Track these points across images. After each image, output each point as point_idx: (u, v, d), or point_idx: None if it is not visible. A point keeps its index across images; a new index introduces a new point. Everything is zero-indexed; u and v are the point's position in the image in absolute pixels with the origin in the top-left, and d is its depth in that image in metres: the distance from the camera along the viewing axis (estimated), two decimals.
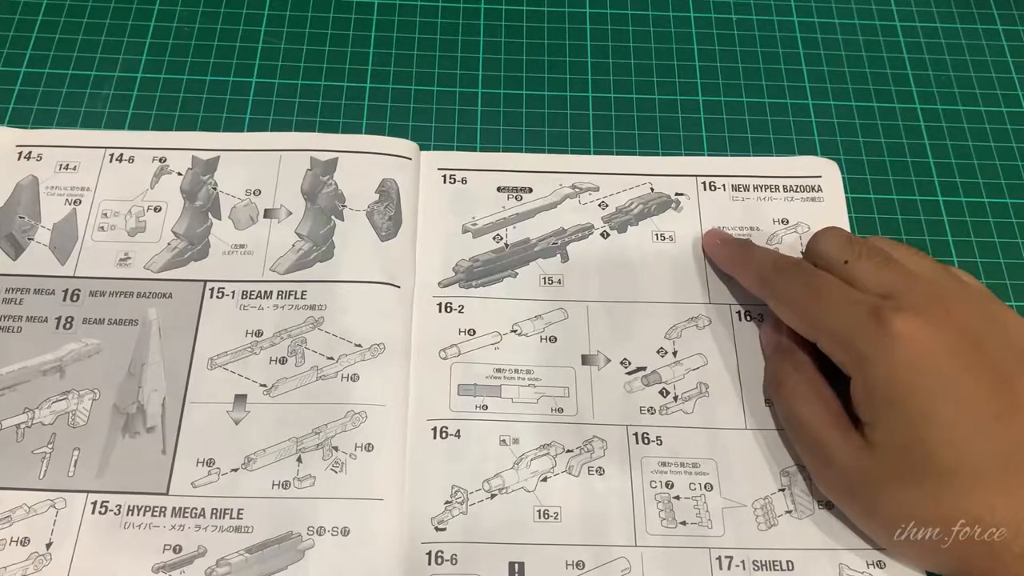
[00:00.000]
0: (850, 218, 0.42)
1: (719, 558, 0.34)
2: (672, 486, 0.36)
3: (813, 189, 0.43)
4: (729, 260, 0.40)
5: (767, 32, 0.48)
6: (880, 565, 0.34)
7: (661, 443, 0.36)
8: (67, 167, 0.41)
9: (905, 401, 0.32)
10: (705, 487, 0.36)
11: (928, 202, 0.43)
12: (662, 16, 0.48)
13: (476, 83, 0.45)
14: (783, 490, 0.36)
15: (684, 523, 0.35)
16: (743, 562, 0.34)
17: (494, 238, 0.41)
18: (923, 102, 0.46)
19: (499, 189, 0.42)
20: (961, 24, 0.48)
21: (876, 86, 0.46)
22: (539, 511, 0.35)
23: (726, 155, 0.44)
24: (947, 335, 0.32)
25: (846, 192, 0.43)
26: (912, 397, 0.32)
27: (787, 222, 0.42)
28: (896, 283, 0.34)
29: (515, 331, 0.39)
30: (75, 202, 0.41)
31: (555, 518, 0.35)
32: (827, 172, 0.43)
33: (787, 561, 0.34)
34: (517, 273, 0.40)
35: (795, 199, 0.42)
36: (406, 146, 0.42)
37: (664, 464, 0.36)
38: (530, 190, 0.42)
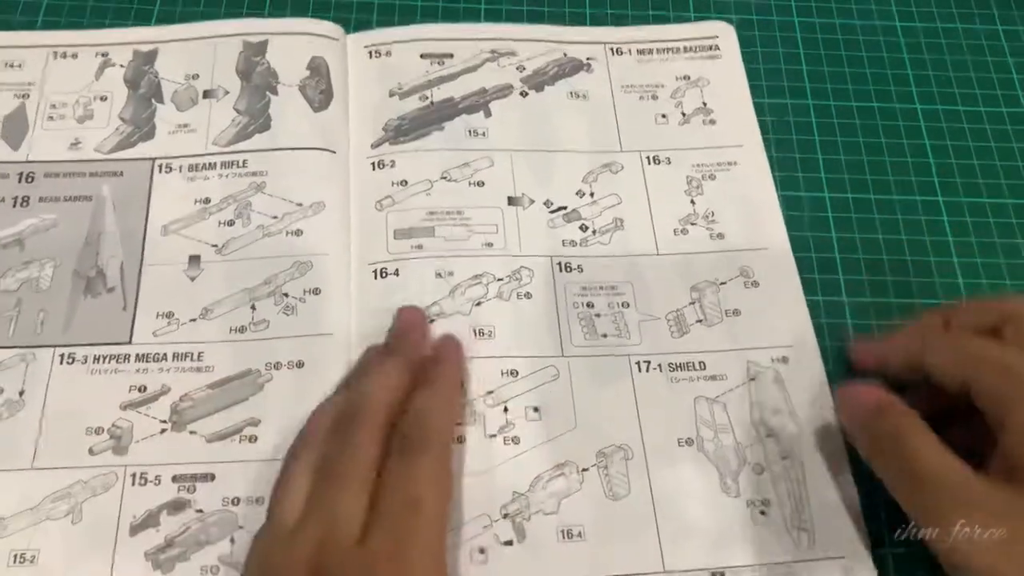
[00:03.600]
0: (751, 86, 0.45)
1: (638, 363, 0.38)
2: (593, 306, 0.39)
3: (711, 48, 0.46)
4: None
5: (767, 32, 0.48)
6: (784, 360, 0.38)
7: (582, 271, 0.40)
8: (12, 65, 0.44)
9: None
10: (623, 305, 0.39)
11: (928, 202, 0.43)
12: None
13: None
14: (693, 303, 0.40)
15: (605, 335, 0.39)
16: (659, 365, 0.38)
17: (420, 98, 0.44)
18: (923, 102, 0.46)
19: (422, 56, 0.45)
20: (961, 24, 0.48)
21: (876, 86, 0.46)
22: (475, 330, 0.38)
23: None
24: None
25: (847, 193, 0.43)
26: None
27: (689, 78, 0.45)
28: None
29: (445, 178, 0.42)
30: (23, 96, 0.43)
31: (489, 336, 0.38)
32: (723, 33, 0.47)
33: (699, 362, 0.38)
34: (444, 127, 0.43)
35: (695, 59, 0.46)
36: (330, 27, 0.45)
37: (585, 288, 0.40)
38: (451, 56, 0.45)
